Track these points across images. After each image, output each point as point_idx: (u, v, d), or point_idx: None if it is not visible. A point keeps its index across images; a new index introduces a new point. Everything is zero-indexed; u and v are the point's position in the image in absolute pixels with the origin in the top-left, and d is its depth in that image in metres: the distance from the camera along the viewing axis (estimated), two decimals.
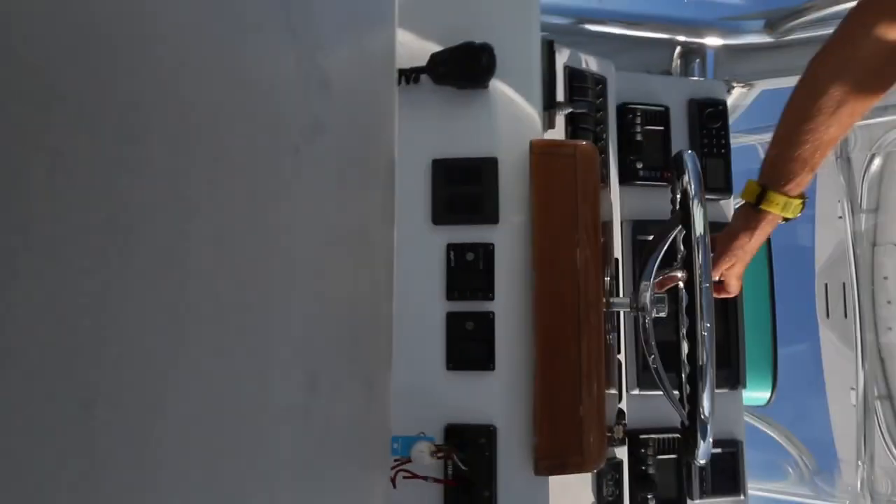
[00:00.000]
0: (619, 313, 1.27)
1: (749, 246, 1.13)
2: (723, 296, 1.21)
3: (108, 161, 0.31)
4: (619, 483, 1.28)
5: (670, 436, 1.38)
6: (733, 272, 1.18)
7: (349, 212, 0.54)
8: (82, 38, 0.30)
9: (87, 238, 0.31)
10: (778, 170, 1.07)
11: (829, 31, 1.22)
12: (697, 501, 1.42)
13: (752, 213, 1.10)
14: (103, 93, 0.31)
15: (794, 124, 1.04)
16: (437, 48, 1.10)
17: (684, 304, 1.04)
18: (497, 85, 1.11)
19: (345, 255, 0.54)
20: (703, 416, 0.98)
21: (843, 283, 2.48)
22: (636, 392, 1.41)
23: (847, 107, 1.00)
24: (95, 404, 0.31)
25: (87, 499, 0.30)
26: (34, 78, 0.27)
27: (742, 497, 1.47)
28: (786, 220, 1.11)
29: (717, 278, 1.18)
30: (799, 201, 1.09)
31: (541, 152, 1.09)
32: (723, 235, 1.16)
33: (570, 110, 1.22)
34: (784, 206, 1.07)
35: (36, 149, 0.28)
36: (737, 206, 1.19)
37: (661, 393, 1.09)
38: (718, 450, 1.44)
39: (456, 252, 1.09)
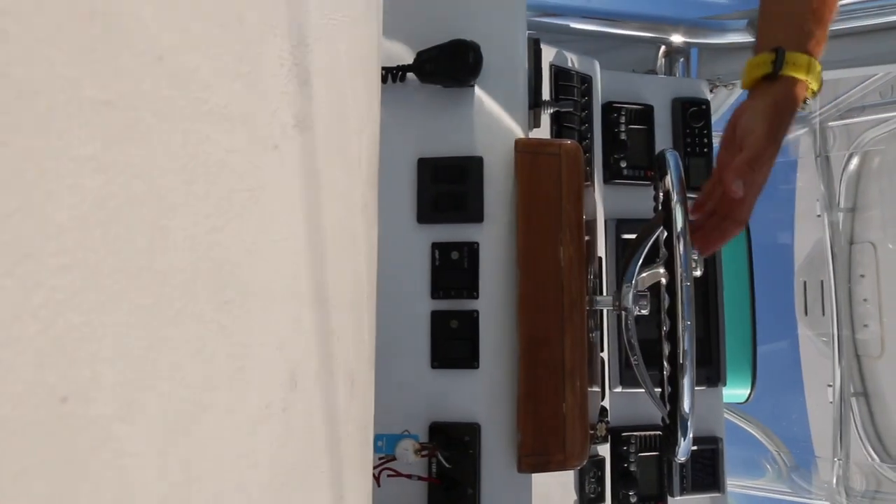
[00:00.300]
0: (602, 311, 1.27)
1: (784, 127, 0.88)
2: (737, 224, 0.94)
3: (81, 158, 0.30)
4: (601, 480, 1.28)
5: (652, 433, 1.39)
6: (758, 181, 0.92)
7: (331, 210, 0.54)
8: (53, 31, 0.29)
9: (61, 235, 0.30)
10: (789, 30, 0.87)
11: None
12: (678, 498, 1.43)
13: (770, 89, 0.87)
14: (76, 91, 0.30)
15: None
16: (423, 46, 1.09)
17: (666, 303, 1.04)
18: (483, 83, 1.11)
19: (326, 253, 0.53)
20: (683, 414, 0.99)
21: (822, 281, 2.51)
22: (619, 390, 1.41)
23: None
24: (71, 400, 0.30)
25: (61, 493, 0.30)
26: (2, 76, 0.27)
27: (721, 493, 1.49)
28: (805, 101, 0.89)
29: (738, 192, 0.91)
30: (820, 66, 0.87)
31: (526, 151, 1.09)
32: (745, 134, 0.90)
33: (555, 109, 1.22)
34: (808, 68, 0.86)
35: (2, 145, 0.27)
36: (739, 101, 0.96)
37: (643, 390, 1.10)
38: (698, 447, 1.45)
39: (441, 251, 1.09)
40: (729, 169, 0.91)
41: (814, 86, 0.87)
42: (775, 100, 0.88)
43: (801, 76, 0.86)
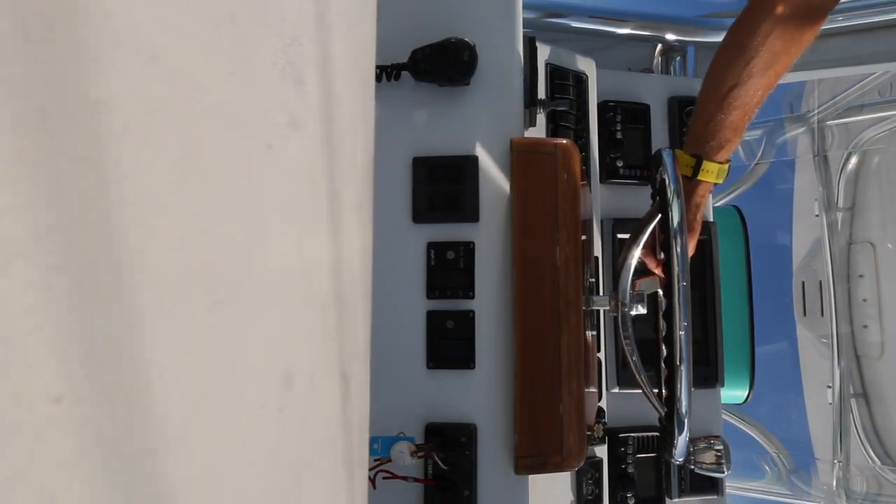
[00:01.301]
0: (599, 311, 1.27)
1: (699, 217, 1.14)
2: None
3: (74, 158, 0.30)
4: (598, 482, 1.28)
5: (650, 434, 1.39)
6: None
7: (325, 210, 0.54)
8: (46, 31, 0.29)
9: (52, 236, 0.30)
10: (709, 139, 1.08)
11: None
12: (676, 500, 1.43)
13: (688, 184, 1.10)
14: (68, 90, 0.30)
15: (724, 91, 1.04)
16: (418, 44, 1.09)
17: (663, 303, 1.04)
18: (478, 82, 1.11)
19: (320, 253, 0.53)
20: (680, 415, 0.99)
21: (820, 282, 2.51)
22: (616, 390, 1.41)
23: (776, 67, 1.02)
24: (65, 400, 0.30)
25: (57, 493, 0.30)
26: None
27: (720, 496, 1.49)
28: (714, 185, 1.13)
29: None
30: (727, 166, 1.10)
31: (521, 150, 1.09)
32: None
33: (551, 108, 1.22)
34: (717, 173, 1.09)
35: None
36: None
37: (640, 391, 1.10)
38: None
39: (436, 250, 1.09)
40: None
41: (719, 182, 1.12)
42: (690, 197, 1.12)
43: (710, 180, 1.10)
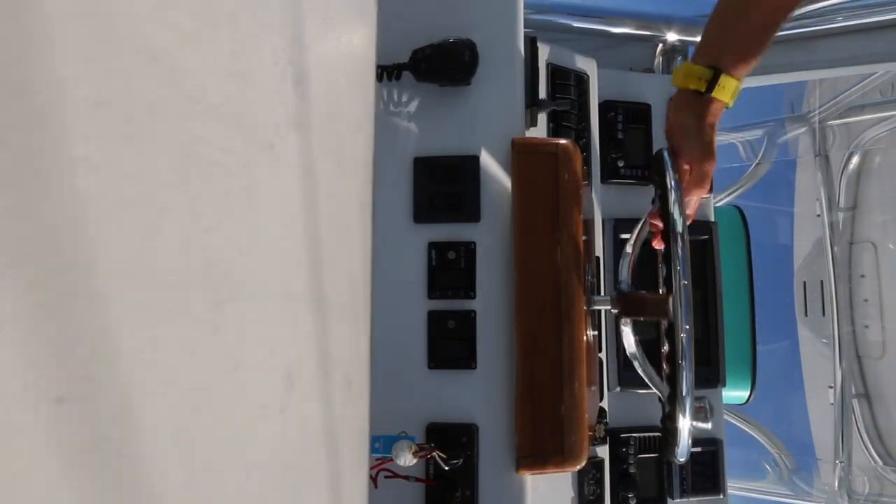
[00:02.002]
0: (600, 311, 1.27)
1: (714, 138, 0.97)
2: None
3: (75, 158, 0.30)
4: (600, 482, 1.28)
5: (651, 434, 1.39)
6: (698, 194, 1.03)
7: (326, 209, 0.54)
8: (48, 33, 0.29)
9: (55, 235, 0.30)
10: (729, 46, 0.91)
11: (810, 28, 1.18)
12: (678, 500, 1.43)
13: (699, 102, 0.94)
14: (69, 91, 0.30)
15: None
16: (419, 44, 1.09)
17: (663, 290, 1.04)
18: (479, 82, 1.11)
19: (322, 254, 0.53)
20: (683, 414, 0.98)
21: (822, 282, 2.51)
22: (617, 390, 1.41)
23: None
24: (66, 400, 0.30)
25: (58, 494, 0.30)
26: None
27: (722, 496, 1.48)
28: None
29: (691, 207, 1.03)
30: (740, 86, 0.94)
31: (522, 150, 1.08)
32: (679, 139, 0.98)
33: (552, 108, 1.22)
34: (733, 92, 0.93)
35: None
36: (671, 98, 1.01)
37: (642, 391, 1.10)
38: (699, 449, 1.45)
39: (437, 250, 1.09)
40: (691, 195, 1.04)
41: (731, 104, 0.95)
42: (702, 118, 0.96)
43: (724, 99, 0.93)
